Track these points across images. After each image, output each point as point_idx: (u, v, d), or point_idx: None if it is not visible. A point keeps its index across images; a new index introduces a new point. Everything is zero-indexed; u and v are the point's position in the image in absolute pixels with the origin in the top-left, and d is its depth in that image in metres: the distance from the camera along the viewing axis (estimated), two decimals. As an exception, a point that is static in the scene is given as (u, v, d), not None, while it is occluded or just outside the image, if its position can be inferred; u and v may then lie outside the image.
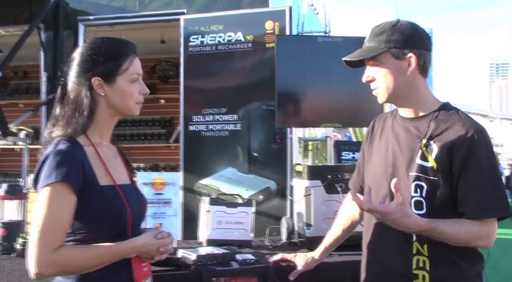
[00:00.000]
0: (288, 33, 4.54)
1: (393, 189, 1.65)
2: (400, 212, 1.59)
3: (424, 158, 1.70)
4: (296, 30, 4.77)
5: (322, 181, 3.37)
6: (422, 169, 1.69)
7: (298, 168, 3.74)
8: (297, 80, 4.19)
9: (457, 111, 1.78)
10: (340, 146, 6.47)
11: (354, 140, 8.07)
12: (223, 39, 4.67)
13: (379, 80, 1.81)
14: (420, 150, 1.72)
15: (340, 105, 4.19)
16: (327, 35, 4.72)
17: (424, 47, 1.79)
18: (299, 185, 3.60)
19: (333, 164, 4.72)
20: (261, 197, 4.42)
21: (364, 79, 1.84)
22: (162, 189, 3.83)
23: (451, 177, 1.66)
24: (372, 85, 1.84)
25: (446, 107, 1.80)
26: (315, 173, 3.46)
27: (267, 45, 4.68)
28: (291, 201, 4.16)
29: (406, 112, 1.85)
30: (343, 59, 1.84)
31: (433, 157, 1.68)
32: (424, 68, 1.79)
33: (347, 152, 6.27)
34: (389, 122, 1.92)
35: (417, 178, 1.69)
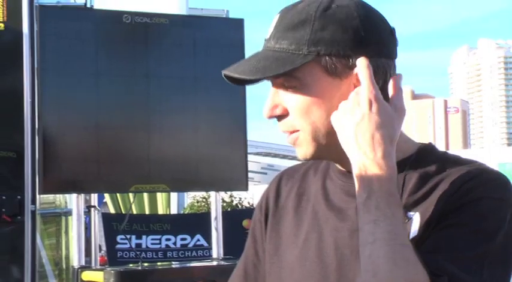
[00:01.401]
0: (26, 4, 4.08)
1: None
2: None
3: None
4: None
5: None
6: None
7: (91, 275, 3.54)
8: (80, 101, 3.90)
9: (454, 158, 1.69)
10: (113, 224, 6.35)
11: (113, 211, 7.90)
12: None
13: (296, 115, 1.60)
14: None
15: (168, 151, 3.97)
16: (127, 11, 4.16)
17: (383, 51, 1.61)
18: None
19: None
20: None
21: (266, 112, 1.64)
22: None
23: None
24: (282, 125, 1.64)
25: (430, 151, 1.69)
26: None
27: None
28: None
29: (351, 166, 1.66)
30: (224, 72, 1.61)
31: (411, 237, 1.54)
32: (382, 90, 1.57)
33: (125, 237, 6.06)
34: (316, 182, 1.78)
35: None
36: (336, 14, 1.58)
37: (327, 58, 1.56)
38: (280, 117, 1.61)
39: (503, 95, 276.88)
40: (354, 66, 1.56)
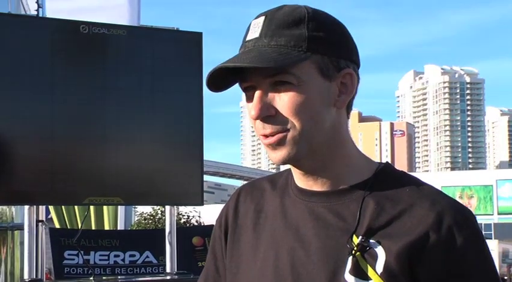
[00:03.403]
0: None
1: None
2: None
3: (359, 272, 1.57)
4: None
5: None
6: None
7: None
8: (34, 111, 3.78)
9: (412, 180, 1.69)
10: (61, 239, 5.99)
11: (57, 224, 7.64)
12: None
13: (289, 113, 1.58)
14: (351, 258, 1.57)
15: (124, 163, 3.89)
16: (84, 21, 4.04)
17: (357, 60, 1.69)
18: None
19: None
20: None
21: (256, 113, 1.59)
22: None
23: None
24: (270, 127, 1.60)
25: (388, 172, 1.70)
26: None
27: None
28: None
29: (312, 181, 1.68)
30: (222, 65, 1.58)
31: (379, 270, 1.55)
32: (352, 100, 1.68)
33: (73, 252, 5.83)
34: (274, 198, 1.76)
35: None
36: (325, 18, 1.61)
37: (322, 57, 1.57)
38: (268, 118, 1.58)
39: (447, 120, 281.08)
40: (340, 68, 1.59)
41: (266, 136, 1.58)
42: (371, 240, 1.56)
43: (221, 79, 1.60)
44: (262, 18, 1.59)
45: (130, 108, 3.87)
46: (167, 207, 4.19)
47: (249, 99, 1.60)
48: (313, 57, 1.56)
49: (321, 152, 1.61)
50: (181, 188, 3.94)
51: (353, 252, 1.55)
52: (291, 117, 1.56)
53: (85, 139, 3.80)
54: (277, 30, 1.56)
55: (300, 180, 1.66)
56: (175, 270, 3.93)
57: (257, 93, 1.57)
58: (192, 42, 3.91)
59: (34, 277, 3.74)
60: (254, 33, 1.59)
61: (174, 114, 3.91)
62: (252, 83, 1.58)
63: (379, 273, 1.54)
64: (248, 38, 1.60)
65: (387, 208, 1.58)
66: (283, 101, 1.55)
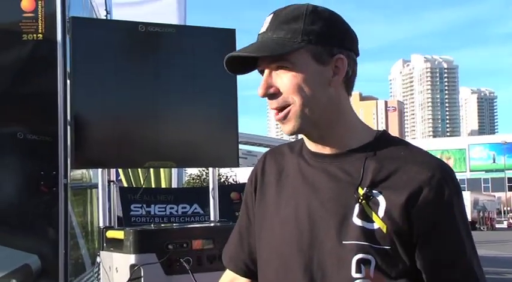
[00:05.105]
0: (60, 18, 4.03)
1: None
2: None
3: (365, 216, 1.51)
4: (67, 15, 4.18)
5: (158, 254, 3.01)
6: (365, 234, 1.50)
7: (114, 233, 3.31)
8: (104, 95, 3.68)
9: (405, 144, 1.62)
10: (128, 196, 5.98)
11: (125, 184, 7.74)
12: None
13: (289, 91, 1.54)
14: (358, 205, 1.51)
15: (175, 135, 3.80)
16: (142, 22, 3.98)
17: (354, 47, 1.60)
18: (117, 262, 3.16)
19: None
20: (13, 281, 3.94)
21: (261, 91, 1.56)
22: None
23: (412, 245, 1.50)
24: (275, 102, 1.56)
25: (385, 137, 1.62)
26: (145, 241, 3.08)
27: (26, 37, 4.05)
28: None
29: (322, 146, 1.62)
30: (231, 54, 1.55)
31: (380, 215, 1.49)
32: (350, 80, 1.60)
33: (137, 205, 5.85)
34: (292, 161, 1.71)
35: (361, 249, 1.49)
36: (322, 13, 1.56)
37: (314, 46, 1.53)
38: (272, 96, 1.55)
39: (429, 98, 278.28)
40: (333, 54, 1.54)
41: (276, 113, 1.54)
42: (374, 191, 1.51)
43: (241, 65, 1.56)
44: (272, 15, 1.56)
45: (179, 91, 3.77)
46: (210, 169, 4.12)
47: None
48: (307, 46, 1.51)
49: (323, 123, 1.56)
50: (221, 153, 3.86)
51: (359, 200, 1.50)
52: (291, 94, 1.52)
53: (142, 116, 3.72)
54: (279, 25, 1.53)
55: (313, 145, 1.62)
56: (217, 218, 3.90)
57: (264, 76, 1.55)
58: (227, 37, 3.80)
59: (107, 225, 3.71)
60: (264, 27, 1.56)
61: (214, 96, 3.81)
62: (262, 67, 1.55)
63: (380, 217, 1.49)
64: (260, 32, 1.57)
65: (386, 165, 1.54)
66: (283, 82, 1.52)
